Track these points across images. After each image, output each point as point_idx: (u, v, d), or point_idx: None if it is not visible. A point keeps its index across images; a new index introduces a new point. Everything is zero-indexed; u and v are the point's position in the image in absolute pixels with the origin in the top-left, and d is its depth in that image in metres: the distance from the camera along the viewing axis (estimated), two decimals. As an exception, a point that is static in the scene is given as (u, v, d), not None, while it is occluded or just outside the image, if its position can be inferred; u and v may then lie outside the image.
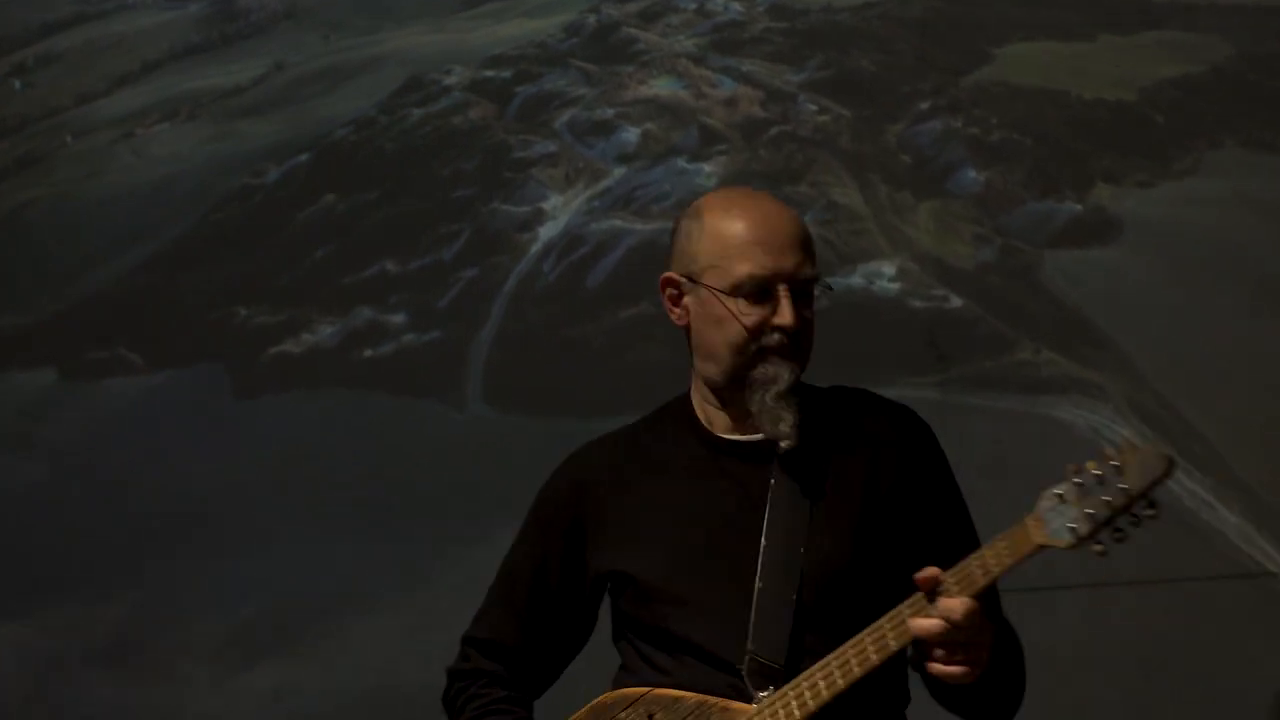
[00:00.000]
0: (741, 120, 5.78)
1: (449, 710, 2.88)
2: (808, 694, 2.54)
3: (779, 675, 2.61)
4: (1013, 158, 5.41)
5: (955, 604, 2.46)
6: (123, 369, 6.03)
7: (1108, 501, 2.30)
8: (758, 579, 2.63)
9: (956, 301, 5.34)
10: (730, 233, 2.69)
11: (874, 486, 2.71)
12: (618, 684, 2.75)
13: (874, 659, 2.52)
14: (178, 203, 6.15)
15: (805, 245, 2.72)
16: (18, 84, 6.60)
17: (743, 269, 2.68)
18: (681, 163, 5.73)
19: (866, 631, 2.54)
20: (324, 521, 5.64)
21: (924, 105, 5.50)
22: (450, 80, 6.13)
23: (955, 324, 5.25)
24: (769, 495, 2.67)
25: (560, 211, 5.86)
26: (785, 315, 2.68)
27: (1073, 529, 2.32)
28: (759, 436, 2.73)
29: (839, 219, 5.47)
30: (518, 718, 2.82)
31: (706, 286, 2.69)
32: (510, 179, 5.90)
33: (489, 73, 6.10)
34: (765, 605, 2.62)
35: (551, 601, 2.82)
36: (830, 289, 2.77)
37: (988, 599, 2.54)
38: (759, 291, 2.69)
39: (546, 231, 5.82)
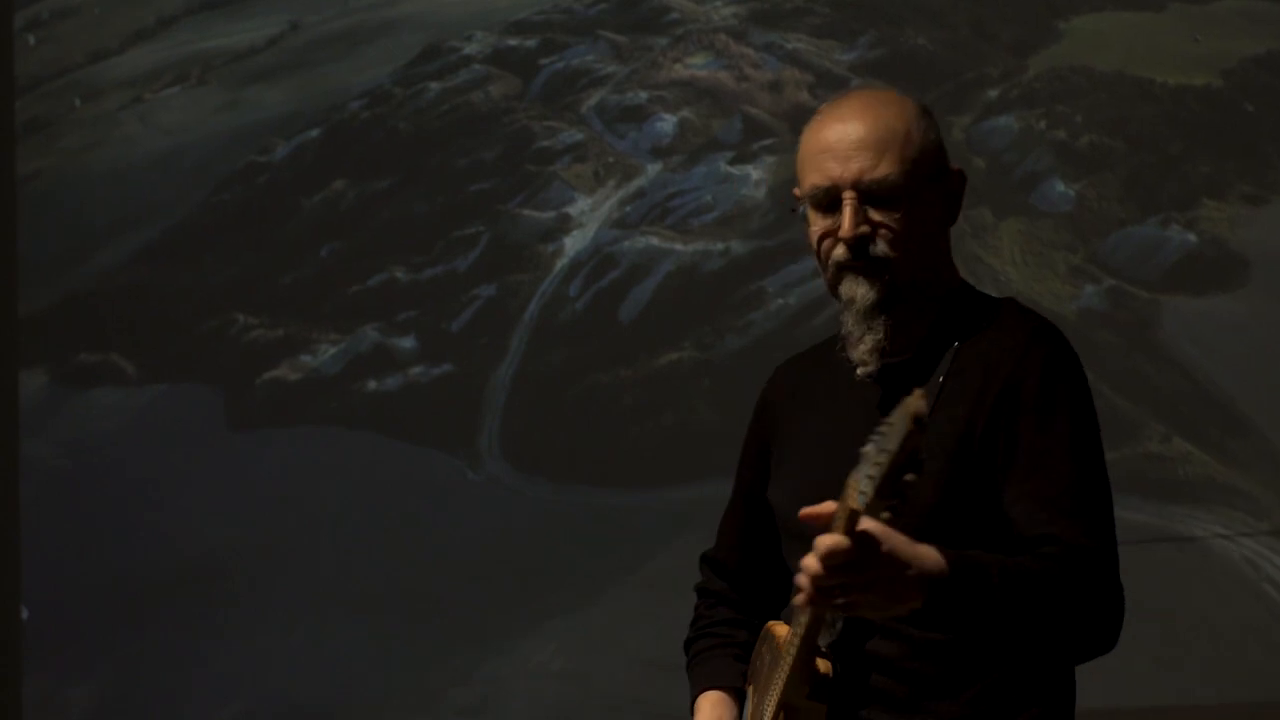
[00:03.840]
0: (789, 109, 5.24)
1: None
2: (796, 632, 2.44)
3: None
4: (1104, 165, 4.82)
5: (821, 539, 2.28)
6: (113, 378, 5.75)
7: (879, 464, 2.19)
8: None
9: None
10: (808, 142, 2.57)
11: (973, 421, 2.49)
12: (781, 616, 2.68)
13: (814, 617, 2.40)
14: (182, 180, 5.87)
15: (880, 146, 2.51)
16: (31, 39, 6.31)
17: (810, 179, 2.55)
18: (724, 165, 5.26)
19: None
20: (316, 608, 5.29)
21: (992, 94, 4.96)
22: (470, 49, 5.72)
23: None
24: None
25: (588, 218, 5.39)
26: (842, 224, 2.50)
27: (864, 494, 2.22)
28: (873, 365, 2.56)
29: (910, 247, 4.71)
30: (728, 640, 2.73)
31: (796, 198, 2.60)
32: (533, 174, 5.49)
33: (512, 41, 5.66)
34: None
35: (761, 523, 2.71)
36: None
37: (929, 531, 2.36)
38: (829, 202, 2.53)
39: (573, 243, 5.37)
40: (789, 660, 2.43)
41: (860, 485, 2.20)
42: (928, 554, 2.31)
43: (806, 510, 2.32)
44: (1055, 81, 4.89)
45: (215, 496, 5.46)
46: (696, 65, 5.39)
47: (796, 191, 2.60)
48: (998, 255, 4.81)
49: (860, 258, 2.51)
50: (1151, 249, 4.71)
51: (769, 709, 2.48)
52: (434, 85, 5.68)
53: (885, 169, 2.50)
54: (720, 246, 5.06)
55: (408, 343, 5.45)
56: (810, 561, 2.27)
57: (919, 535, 2.32)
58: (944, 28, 5.05)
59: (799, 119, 5.08)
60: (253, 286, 5.65)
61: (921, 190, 2.52)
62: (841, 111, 2.56)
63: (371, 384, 5.45)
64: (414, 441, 5.35)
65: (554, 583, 5.01)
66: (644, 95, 5.41)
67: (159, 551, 5.48)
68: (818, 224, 2.54)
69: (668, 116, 5.36)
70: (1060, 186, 4.81)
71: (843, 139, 2.51)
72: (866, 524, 2.25)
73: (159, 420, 5.61)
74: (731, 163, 5.24)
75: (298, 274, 5.65)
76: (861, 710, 2.48)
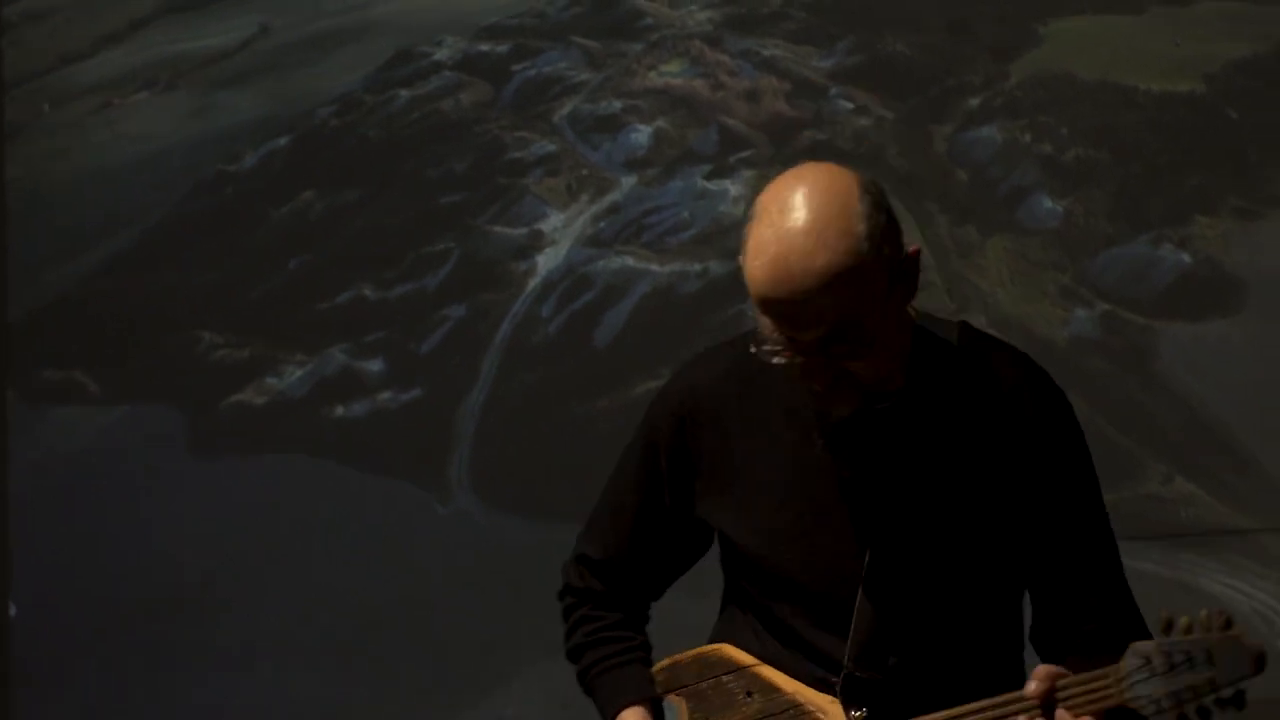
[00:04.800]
0: (766, 119, 5.09)
1: (563, 619, 2.75)
2: None
3: (874, 689, 2.46)
4: (1091, 179, 4.68)
5: None
6: (78, 396, 5.62)
7: (1193, 688, 2.26)
8: (861, 585, 2.45)
9: None
10: (753, 277, 2.39)
11: (995, 485, 2.45)
12: (724, 635, 2.60)
13: None
14: (149, 190, 5.76)
15: (838, 299, 2.35)
16: (1, 43, 6.21)
17: (765, 326, 2.42)
18: (701, 180, 5.10)
19: (967, 710, 2.42)
20: (276, 647, 5.14)
21: (974, 102, 4.82)
22: (441, 55, 5.56)
23: None
24: (874, 477, 2.46)
25: (561, 234, 5.25)
26: (813, 378, 2.41)
27: (1155, 702, 2.30)
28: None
29: (899, 270, 4.57)
30: (627, 646, 2.67)
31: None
32: (505, 187, 5.35)
33: (483, 46, 5.52)
34: (865, 617, 2.46)
35: (663, 525, 2.65)
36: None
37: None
38: (783, 344, 2.42)
39: (545, 261, 5.23)
40: None
41: (1148, 692, 2.27)
42: None
43: (1041, 692, 2.35)
44: (1038, 89, 4.77)
45: (175, 526, 5.33)
46: (671, 73, 5.23)
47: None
48: (985, 276, 4.65)
49: (830, 388, 2.42)
50: (1143, 269, 4.57)
51: None
52: (404, 92, 5.55)
53: (841, 327, 2.36)
54: (698, 267, 4.96)
55: (376, 365, 5.32)
56: None
57: (922, 586, 2.41)
58: (922, 31, 4.92)
59: (777, 129, 5.04)
60: (219, 301, 5.53)
61: (880, 311, 2.38)
62: (784, 252, 2.35)
63: (339, 409, 5.33)
64: (381, 471, 5.21)
65: (528, 626, 4.77)
66: (618, 104, 5.26)
67: (114, 584, 5.35)
68: (779, 359, 2.41)
69: (642, 127, 5.21)
70: (1047, 202, 4.66)
71: (795, 306, 2.35)
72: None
73: (120, 443, 5.48)
74: (708, 177, 5.08)
75: (265, 288, 5.52)
76: None
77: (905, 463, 2.45)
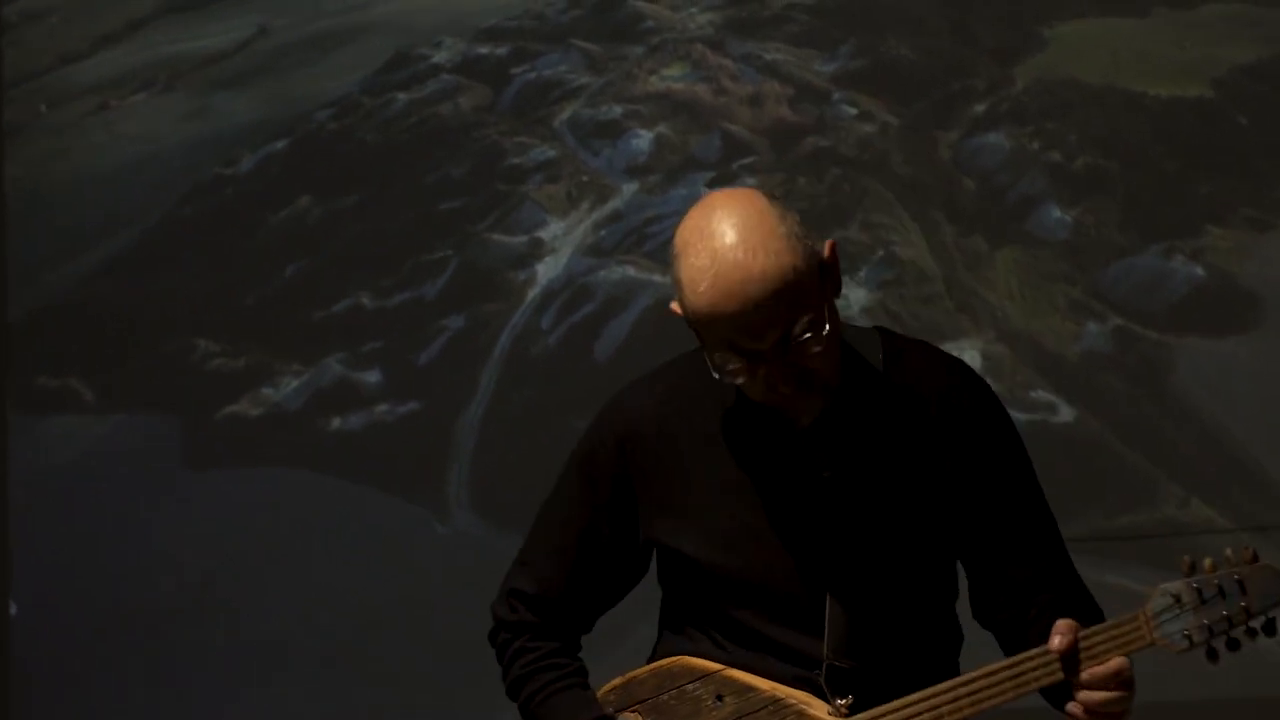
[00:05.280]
0: (769, 125, 5.03)
1: (499, 658, 2.75)
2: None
3: (854, 677, 2.50)
4: (1100, 188, 4.63)
5: (1105, 670, 2.41)
6: (73, 405, 5.56)
7: (1227, 616, 2.29)
8: (827, 573, 2.51)
9: (1066, 413, 4.33)
10: (698, 305, 2.44)
11: (938, 472, 2.54)
12: (679, 651, 2.59)
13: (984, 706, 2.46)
14: (146, 192, 5.70)
15: (787, 302, 2.44)
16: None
17: (719, 353, 2.45)
18: (704, 188, 5.04)
19: (980, 674, 2.46)
20: (267, 667, 5.07)
21: (979, 108, 4.78)
22: (440, 57, 5.50)
23: (1067, 448, 4.27)
24: (827, 475, 2.53)
25: (561, 243, 5.18)
26: (778, 386, 2.46)
27: (1188, 636, 2.32)
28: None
29: (904, 280, 4.74)
30: (568, 671, 2.66)
31: (702, 349, 2.50)
32: (504, 193, 5.27)
33: (482, 49, 5.45)
34: (836, 603, 2.50)
35: (601, 556, 2.66)
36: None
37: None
38: (743, 363, 2.45)
39: (545, 270, 5.16)
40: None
41: (1180, 627, 2.31)
42: None
43: (1066, 645, 2.40)
44: (1044, 95, 4.75)
45: (167, 540, 5.28)
46: (673, 77, 5.16)
47: (686, 318, 2.48)
48: (994, 289, 4.60)
49: (793, 392, 2.47)
50: (1155, 282, 4.51)
51: None
52: (402, 96, 5.49)
53: (797, 325, 2.44)
54: None
55: (373, 377, 5.25)
56: (1097, 696, 2.39)
57: (899, 584, 2.47)
58: (926, 35, 4.87)
59: (780, 135, 4.99)
60: (215, 308, 5.48)
61: (823, 303, 2.48)
62: (725, 271, 2.42)
63: (335, 421, 5.26)
64: (378, 486, 5.15)
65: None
66: (618, 109, 5.19)
67: (106, 597, 5.30)
68: (739, 378, 2.45)
69: (643, 133, 5.15)
70: (1056, 212, 4.61)
71: (744, 311, 2.41)
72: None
73: (114, 455, 5.44)
74: (711, 184, 5.01)
75: (261, 295, 5.47)
76: None
77: (856, 457, 2.53)
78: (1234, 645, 2.32)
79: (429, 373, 5.17)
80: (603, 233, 5.12)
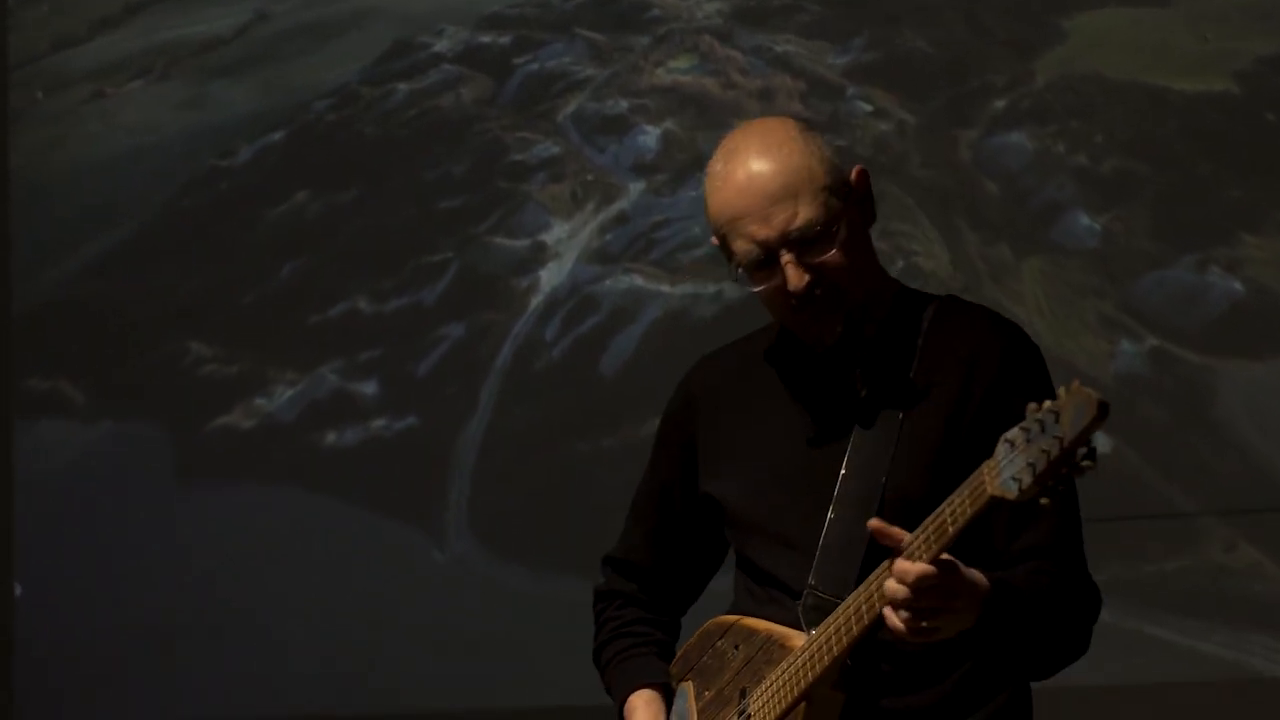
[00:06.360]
0: None
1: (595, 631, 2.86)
2: (842, 630, 2.46)
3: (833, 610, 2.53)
4: (1129, 193, 4.46)
5: (908, 568, 2.34)
6: (63, 408, 5.48)
7: (1045, 451, 2.19)
8: (830, 509, 2.55)
9: (1102, 443, 3.97)
10: (718, 207, 2.58)
11: (960, 413, 2.55)
12: (731, 606, 2.68)
13: (866, 621, 2.43)
14: (141, 184, 5.62)
15: (792, 191, 2.55)
16: None
17: (738, 246, 2.56)
18: None
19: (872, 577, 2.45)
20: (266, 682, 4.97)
21: (1000, 104, 4.64)
22: (441, 46, 5.38)
23: (1108, 483, 3.84)
24: (854, 417, 2.57)
25: (565, 247, 5.05)
26: (790, 281, 2.53)
27: (1017, 481, 2.23)
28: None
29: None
30: (642, 640, 2.75)
31: (729, 259, 2.60)
32: (506, 192, 5.14)
33: (484, 37, 5.32)
34: (833, 537, 2.54)
35: (678, 520, 2.75)
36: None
37: (976, 553, 2.44)
38: (764, 261, 2.55)
39: (549, 277, 5.05)
40: (824, 656, 2.46)
41: (1012, 472, 2.20)
42: (979, 576, 2.37)
43: (881, 526, 2.35)
44: (1067, 92, 4.62)
45: (154, 557, 5.20)
46: (680, 70, 4.99)
47: (717, 237, 2.59)
48: (1022, 302, 4.42)
49: (812, 302, 2.54)
50: (1191, 296, 4.32)
51: (774, 701, 2.52)
52: (402, 86, 5.36)
53: (806, 213, 2.54)
54: (712, 289, 4.78)
55: (369, 388, 5.14)
56: (897, 588, 2.33)
57: (907, 524, 2.39)
58: (941, 26, 4.72)
59: None
60: (210, 306, 5.39)
61: (843, 213, 2.55)
62: (739, 169, 2.57)
63: (330, 436, 5.15)
64: (373, 507, 5.05)
65: (531, 689, 4.66)
66: (624, 104, 5.03)
67: (91, 614, 5.24)
68: (761, 284, 2.55)
69: (650, 128, 4.99)
70: (1084, 219, 4.44)
71: (754, 198, 2.54)
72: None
73: (103, 463, 5.37)
74: None
75: (257, 294, 5.37)
76: (871, 694, 2.53)
77: (875, 381, 2.58)
78: (1064, 481, 2.20)
79: (427, 385, 5.07)
80: (609, 236, 4.99)
